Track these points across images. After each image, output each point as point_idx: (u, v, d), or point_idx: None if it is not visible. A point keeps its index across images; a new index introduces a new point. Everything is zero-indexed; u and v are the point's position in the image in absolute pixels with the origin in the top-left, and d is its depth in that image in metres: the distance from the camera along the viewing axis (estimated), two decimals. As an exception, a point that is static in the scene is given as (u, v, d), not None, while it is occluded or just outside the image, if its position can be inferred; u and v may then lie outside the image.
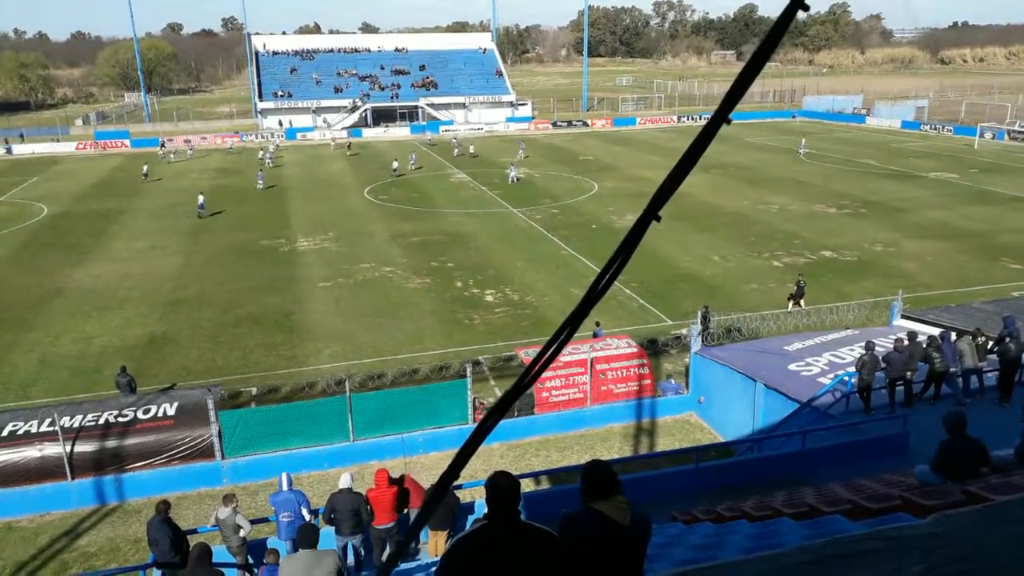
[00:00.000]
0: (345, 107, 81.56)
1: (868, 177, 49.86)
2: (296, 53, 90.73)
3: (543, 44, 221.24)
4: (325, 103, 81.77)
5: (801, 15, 1.62)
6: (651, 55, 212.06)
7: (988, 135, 65.43)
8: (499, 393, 19.80)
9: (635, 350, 20.04)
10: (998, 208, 40.16)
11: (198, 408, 16.90)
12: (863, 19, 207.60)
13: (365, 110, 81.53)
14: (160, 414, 16.98)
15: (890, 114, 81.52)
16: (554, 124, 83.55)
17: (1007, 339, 15.33)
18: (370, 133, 77.89)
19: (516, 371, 20.69)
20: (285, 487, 12.28)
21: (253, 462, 16.77)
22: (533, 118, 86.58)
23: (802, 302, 25.23)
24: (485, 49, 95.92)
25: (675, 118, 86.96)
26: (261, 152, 62.53)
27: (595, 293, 1.79)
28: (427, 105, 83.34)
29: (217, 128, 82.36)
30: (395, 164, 54.30)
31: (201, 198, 42.11)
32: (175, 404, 17.27)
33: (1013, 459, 8.00)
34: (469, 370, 17.94)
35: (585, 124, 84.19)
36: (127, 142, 72.56)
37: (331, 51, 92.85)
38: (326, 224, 39.34)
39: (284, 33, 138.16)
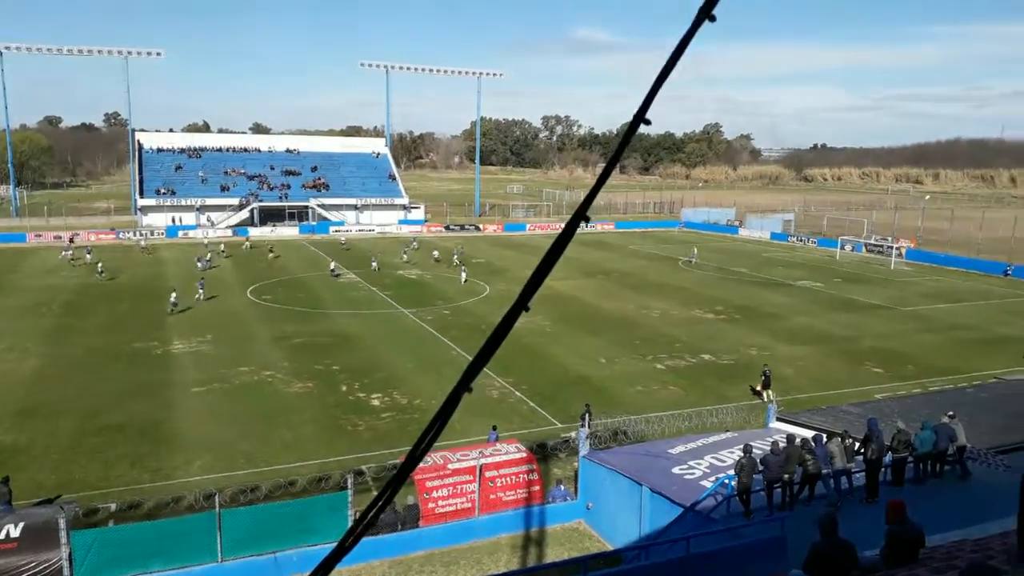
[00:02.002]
0: (232, 206, 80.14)
1: (742, 285, 52.78)
2: (182, 151, 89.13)
3: (437, 151, 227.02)
4: (211, 201, 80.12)
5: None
6: (540, 165, 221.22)
7: (848, 247, 71.11)
8: (383, 504, 18.96)
9: (524, 455, 19.78)
10: (860, 315, 43.16)
11: (47, 528, 15.28)
12: (734, 138, 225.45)
13: (252, 209, 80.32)
14: (2, 537, 15.21)
15: (760, 226, 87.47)
16: (447, 227, 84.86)
17: (871, 441, 16.09)
18: (257, 232, 76.55)
19: (402, 479, 19.92)
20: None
21: (105, 589, 15.17)
22: (426, 221, 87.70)
23: (769, 391, 26.88)
24: (379, 153, 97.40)
25: (562, 225, 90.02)
26: (199, 259, 55.44)
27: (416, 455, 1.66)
28: (318, 206, 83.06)
29: (91, 224, 78.80)
30: (374, 263, 55.75)
31: (174, 295, 40.22)
32: (20, 525, 15.52)
33: (879, 560, 8.20)
34: (350, 481, 17.14)
35: (477, 228, 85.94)
36: (-10, 236, 68.17)
37: (219, 150, 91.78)
38: (204, 325, 37.67)
39: (171, 130, 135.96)
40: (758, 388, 27.95)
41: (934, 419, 17.61)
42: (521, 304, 1.53)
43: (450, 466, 18.71)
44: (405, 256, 61.06)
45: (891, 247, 66.23)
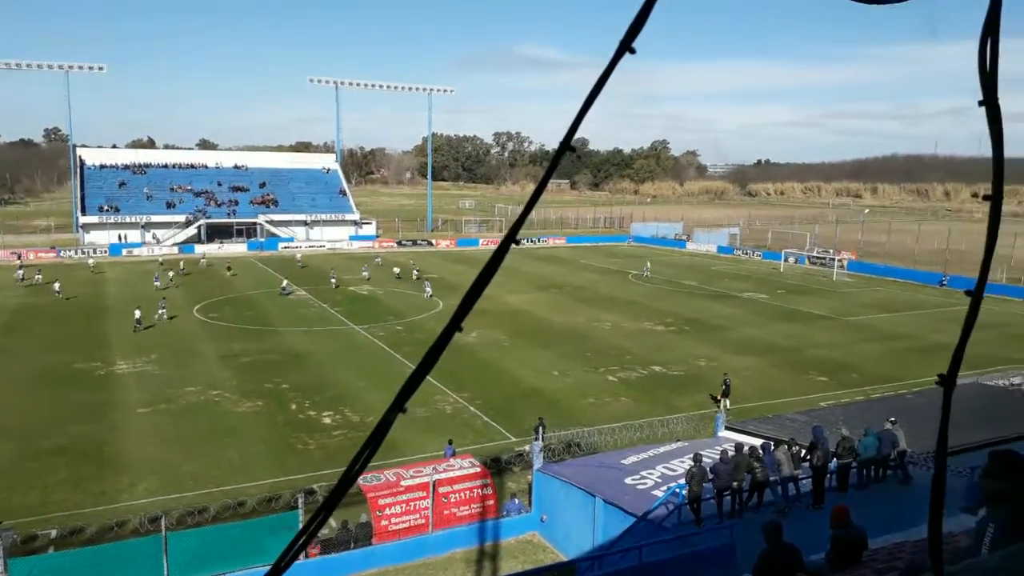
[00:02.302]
0: (178, 223, 78.58)
1: (691, 297, 53.67)
2: (126, 167, 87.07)
3: (388, 166, 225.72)
4: (156, 218, 78.39)
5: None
6: (492, 181, 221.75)
7: (791, 260, 72.92)
8: (335, 525, 18.73)
9: (478, 470, 19.79)
10: (804, 326, 44.24)
11: (-20, 558, 14.71)
12: (681, 155, 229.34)
13: (199, 225, 78.87)
14: (-70, 568, 14.60)
15: (707, 240, 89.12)
16: (399, 243, 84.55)
17: (816, 448, 16.51)
18: (203, 249, 75.17)
19: (355, 499, 19.70)
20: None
21: (44, 619, 14.64)
22: (378, 236, 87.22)
23: (727, 400, 27.73)
24: (329, 169, 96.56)
25: (514, 240, 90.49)
26: (158, 276, 54.67)
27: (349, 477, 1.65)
28: (266, 222, 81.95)
29: (30, 243, 76.36)
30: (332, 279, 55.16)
31: (138, 312, 40.12)
32: (-49, 555, 14.93)
33: (824, 564, 8.44)
34: (301, 501, 16.91)
35: (430, 243, 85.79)
36: (-80, 255, 65.52)
37: (165, 166, 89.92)
38: (149, 345, 36.75)
39: (115, 146, 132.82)
40: (719, 397, 28.64)
41: (876, 425, 18.15)
42: (454, 325, 1.58)
43: (403, 483, 18.61)
44: (366, 273, 59.54)
45: (833, 259, 68.12)
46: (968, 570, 2.29)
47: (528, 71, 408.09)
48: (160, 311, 42.42)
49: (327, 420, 26.70)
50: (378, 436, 1.64)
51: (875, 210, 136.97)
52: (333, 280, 54.81)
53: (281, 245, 78.86)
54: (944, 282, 60.00)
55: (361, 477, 18.29)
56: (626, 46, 1.46)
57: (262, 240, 79.86)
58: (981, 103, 1.39)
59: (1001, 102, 1.38)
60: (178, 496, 20.36)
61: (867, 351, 38.04)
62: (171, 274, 56.91)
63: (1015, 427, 19.76)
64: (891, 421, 18.16)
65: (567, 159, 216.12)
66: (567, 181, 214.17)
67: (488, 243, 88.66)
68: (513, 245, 1.73)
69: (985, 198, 1.53)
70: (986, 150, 1.41)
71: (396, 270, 60.59)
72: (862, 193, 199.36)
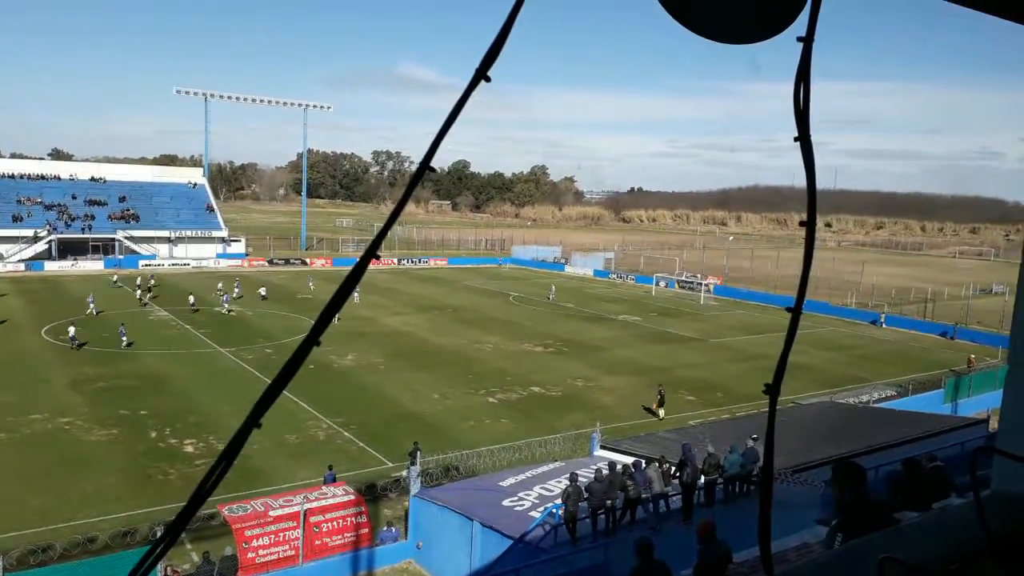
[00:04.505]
0: (26, 237, 72.77)
1: (568, 319, 54.71)
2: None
3: (260, 182, 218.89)
4: (0, 232, 72.38)
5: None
6: (371, 200, 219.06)
7: (662, 284, 75.89)
8: (196, 559, 17.63)
9: (352, 498, 19.22)
10: (674, 347, 45.98)
11: None
12: (559, 180, 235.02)
13: (50, 241, 73.37)
14: None
15: (584, 264, 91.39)
16: (270, 261, 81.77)
17: (685, 465, 17.06)
18: (54, 266, 69.96)
19: (219, 530, 18.65)
20: None
21: None
22: (247, 254, 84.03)
23: (662, 410, 30.07)
24: (195, 184, 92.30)
25: (395, 260, 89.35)
26: (92, 299, 49.42)
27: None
28: (126, 238, 77.28)
29: None
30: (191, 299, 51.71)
31: (72, 330, 39.30)
32: None
33: (694, 579, 8.66)
34: (160, 534, 15.77)
35: (304, 263, 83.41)
36: None
37: (11, 176, 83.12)
38: (-11, 369, 33.66)
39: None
40: (654, 407, 30.53)
41: (740, 443, 18.97)
42: (312, 338, 1.46)
43: (271, 513, 17.79)
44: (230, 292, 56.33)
45: (700, 283, 71.42)
46: (803, 568, 2.35)
47: (408, 91, 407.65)
48: (123, 339, 39.61)
49: (189, 448, 25.22)
50: (232, 450, 1.48)
51: (739, 237, 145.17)
52: (226, 304, 51.22)
53: (142, 263, 74.57)
54: (800, 306, 64.00)
55: (226, 508, 17.30)
56: (481, 74, 1.44)
57: (120, 257, 75.18)
58: (796, 139, 1.53)
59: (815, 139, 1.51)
60: (19, 534, 18.57)
61: (732, 371, 39.91)
62: (139, 292, 54.01)
63: (864, 441, 21.22)
64: (752, 438, 19.02)
65: (441, 180, 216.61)
66: (448, 202, 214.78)
67: (371, 263, 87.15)
68: (374, 260, 1.63)
69: (802, 224, 1.66)
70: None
71: (262, 291, 58.16)
72: (727, 221, 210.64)
